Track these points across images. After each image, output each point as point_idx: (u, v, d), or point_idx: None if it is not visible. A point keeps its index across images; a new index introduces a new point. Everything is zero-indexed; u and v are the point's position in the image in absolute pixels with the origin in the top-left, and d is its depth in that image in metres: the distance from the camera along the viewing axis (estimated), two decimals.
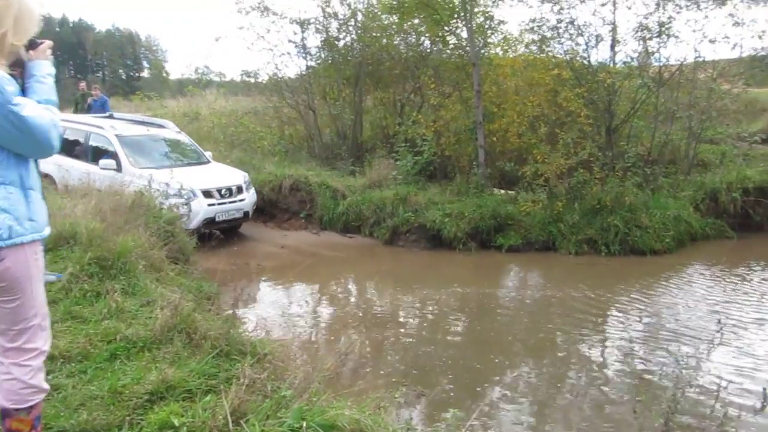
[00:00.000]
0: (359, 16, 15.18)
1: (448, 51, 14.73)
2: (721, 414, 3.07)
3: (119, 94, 39.80)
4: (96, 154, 10.82)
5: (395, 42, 15.40)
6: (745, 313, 7.75)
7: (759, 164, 12.68)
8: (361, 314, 8.05)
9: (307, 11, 15.46)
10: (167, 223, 7.22)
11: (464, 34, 13.47)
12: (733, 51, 13.17)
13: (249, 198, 11.27)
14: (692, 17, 12.28)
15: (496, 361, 6.55)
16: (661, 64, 12.84)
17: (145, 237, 6.17)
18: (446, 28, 14.10)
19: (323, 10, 14.97)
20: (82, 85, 18.05)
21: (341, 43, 15.47)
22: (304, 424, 3.05)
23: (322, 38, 15.45)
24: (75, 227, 5.70)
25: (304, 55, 15.55)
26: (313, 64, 16.04)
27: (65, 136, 11.38)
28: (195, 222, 9.96)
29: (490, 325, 7.73)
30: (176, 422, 3.18)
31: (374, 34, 15.10)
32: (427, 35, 15.02)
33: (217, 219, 10.47)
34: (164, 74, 62.40)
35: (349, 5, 14.99)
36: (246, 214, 11.19)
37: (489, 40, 14.18)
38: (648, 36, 12.33)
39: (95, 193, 7.30)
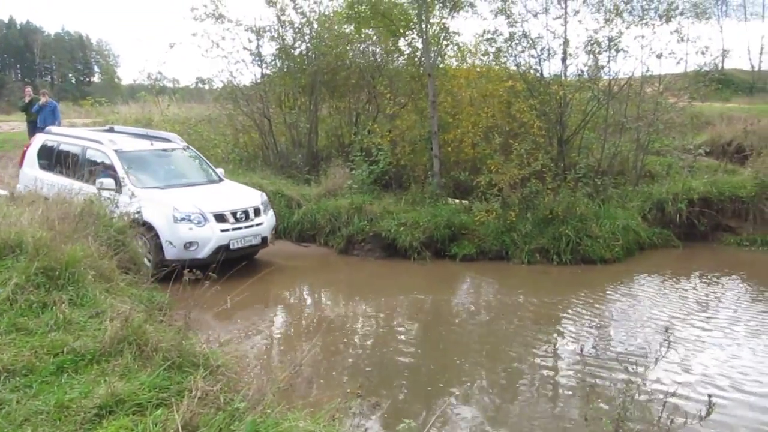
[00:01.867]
0: (315, 25, 15.16)
1: (404, 61, 14.83)
2: (668, 421, 3.16)
3: (69, 99, 38.88)
4: (93, 173, 9.61)
5: (350, 52, 15.44)
6: (690, 322, 7.99)
7: (703, 176, 13.09)
8: (316, 324, 8.01)
9: (262, 19, 15.32)
10: (118, 232, 7.07)
11: (419, 45, 13.60)
12: (678, 66, 13.62)
13: (267, 221, 10.13)
14: (640, 33, 12.63)
15: (451, 369, 6.59)
16: (611, 77, 13.17)
17: (94, 246, 6.04)
18: (402, 39, 14.21)
19: (279, 18, 14.91)
20: (28, 89, 17.47)
21: (297, 52, 15.43)
22: None
23: (278, 46, 15.37)
24: (21, 236, 5.54)
25: (259, 62, 15.44)
26: (268, 72, 15.94)
27: (58, 152, 10.51)
28: (206, 250, 9.10)
29: (445, 334, 7.79)
30: None
31: (329, 44, 15.11)
32: (382, 45, 15.10)
33: (231, 246, 9.37)
34: (116, 80, 61.27)
35: (304, 14, 14.97)
36: (264, 239, 9.98)
37: (444, 51, 14.33)
38: (598, 50, 12.63)
39: (42, 201, 7.11)
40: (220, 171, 11.01)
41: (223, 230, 9.35)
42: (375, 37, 14.96)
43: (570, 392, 6.08)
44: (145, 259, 8.96)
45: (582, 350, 6.98)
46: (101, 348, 4.14)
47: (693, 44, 12.94)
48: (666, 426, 3.11)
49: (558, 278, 10.21)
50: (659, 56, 12.71)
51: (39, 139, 11.17)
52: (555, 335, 7.77)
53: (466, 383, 6.22)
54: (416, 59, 14.11)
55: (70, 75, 70.78)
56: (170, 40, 21.05)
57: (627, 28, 12.50)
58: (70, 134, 11.09)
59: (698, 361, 6.67)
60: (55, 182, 9.14)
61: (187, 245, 9.04)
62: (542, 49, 12.85)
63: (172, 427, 3.11)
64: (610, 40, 12.52)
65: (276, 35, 15.12)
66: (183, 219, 9.06)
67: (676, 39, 12.60)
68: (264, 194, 10.62)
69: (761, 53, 41.03)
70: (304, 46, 15.34)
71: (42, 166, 10.67)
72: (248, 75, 17.24)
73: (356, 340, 7.53)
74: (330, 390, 5.64)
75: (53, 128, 11.86)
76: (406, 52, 14.56)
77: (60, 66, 69.83)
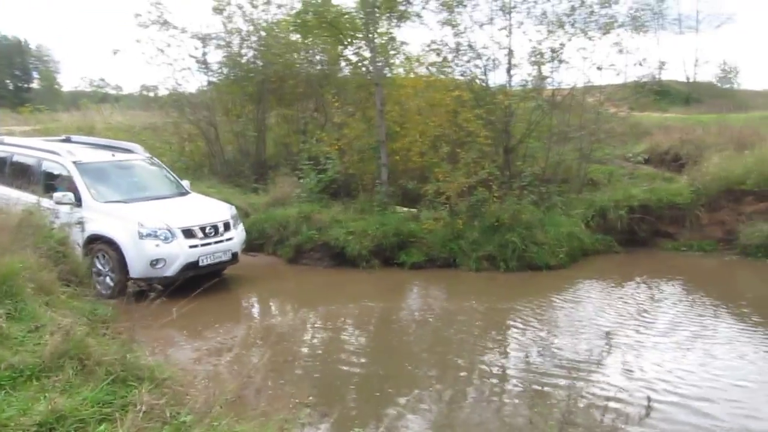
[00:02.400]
0: (262, 33, 15.09)
1: (351, 70, 14.88)
2: (610, 423, 3.25)
3: (6, 106, 37.54)
4: (50, 186, 9.20)
5: (298, 60, 15.42)
6: (632, 327, 8.20)
7: (643, 183, 13.47)
8: (264, 333, 7.95)
9: (209, 26, 15.15)
10: (59, 243, 6.87)
11: (367, 54, 13.66)
12: (618, 77, 14.01)
13: (238, 236, 9.82)
14: (582, 45, 12.94)
15: (399, 376, 6.62)
16: (554, 87, 13.47)
17: (33, 258, 5.85)
18: (349, 48, 14.26)
19: (225, 26, 14.80)
20: None
21: (244, 60, 15.33)
22: None
23: (224, 54, 15.26)
24: None
25: (205, 70, 15.28)
26: (214, 79, 15.80)
27: (11, 163, 9.93)
28: (174, 267, 8.74)
29: (393, 341, 7.83)
30: None
31: (277, 52, 15.05)
32: (329, 54, 15.13)
33: (200, 263, 9.04)
34: (56, 86, 59.59)
35: (251, 21, 14.89)
36: (234, 255, 9.70)
37: (391, 61, 14.43)
38: (541, 61, 12.90)
39: None
40: (186, 183, 10.59)
41: (191, 246, 8.96)
42: (322, 46, 14.97)
43: (517, 398, 6.16)
44: (108, 277, 8.72)
45: (528, 356, 7.10)
46: (41, 363, 4.02)
47: (632, 56, 13.38)
48: (608, 428, 3.21)
49: (505, 285, 10.37)
50: (600, 68, 13.05)
51: None
52: (502, 342, 7.89)
53: (415, 390, 6.25)
54: (364, 68, 14.17)
55: (7, 81, 68.38)
56: (114, 47, 20.51)
57: (569, 39, 12.79)
58: (24, 144, 10.47)
59: (639, 365, 6.83)
60: (7, 196, 8.52)
61: (154, 263, 8.63)
62: (488, 60, 13.07)
63: None
64: (553, 51, 12.81)
65: (223, 43, 15.01)
66: (149, 235, 8.63)
67: (616, 51, 12.98)
68: (233, 207, 10.30)
69: (696, 65, 42.66)
70: (251, 54, 15.26)
71: None
72: (194, 82, 17.02)
73: (305, 349, 7.49)
74: (279, 400, 5.59)
75: (5, 138, 11.23)
76: (353, 61, 14.61)
77: None
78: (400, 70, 15.06)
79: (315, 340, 7.89)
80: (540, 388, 6.21)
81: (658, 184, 13.48)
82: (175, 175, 10.81)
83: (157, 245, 8.66)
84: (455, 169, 11.68)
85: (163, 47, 14.35)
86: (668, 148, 16.74)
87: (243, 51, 15.29)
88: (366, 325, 8.49)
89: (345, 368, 6.81)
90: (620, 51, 13.01)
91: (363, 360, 7.13)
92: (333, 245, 11.15)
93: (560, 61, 12.96)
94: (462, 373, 6.77)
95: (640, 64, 13.51)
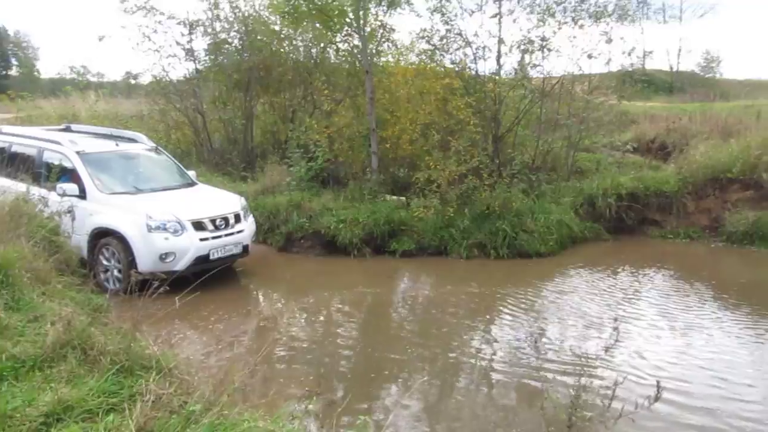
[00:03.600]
0: (249, 21, 14.95)
1: (341, 57, 14.79)
2: (619, 407, 3.28)
3: None
4: (52, 177, 8.78)
5: (287, 48, 15.31)
6: (623, 314, 8.30)
7: (630, 171, 13.62)
8: (262, 322, 7.96)
9: (195, 12, 14.94)
10: (51, 233, 6.79)
11: (357, 41, 13.58)
12: (606, 66, 14.07)
13: (248, 228, 9.55)
14: (571, 33, 12.96)
15: (394, 362, 6.65)
16: (544, 76, 13.49)
17: (28, 247, 5.78)
18: (339, 35, 14.16)
19: (212, 12, 14.65)
20: None
21: (230, 47, 15.19)
22: None
23: (211, 41, 15.10)
24: None
25: (191, 57, 15.11)
26: (201, 67, 15.64)
27: (10, 154, 9.55)
28: (184, 261, 8.46)
29: (387, 328, 7.89)
30: None
31: (264, 39, 14.93)
32: (319, 41, 15.03)
33: (211, 256, 8.76)
34: (35, 73, 58.76)
35: (238, 7, 14.76)
36: (245, 248, 9.41)
37: (381, 48, 14.37)
38: (531, 49, 12.92)
39: None
40: (192, 173, 10.35)
41: (202, 239, 8.70)
42: (312, 33, 14.87)
43: (515, 381, 6.22)
44: (115, 271, 8.54)
45: (519, 342, 7.15)
46: (42, 353, 3.97)
47: (619, 45, 13.42)
48: (616, 413, 3.25)
49: (495, 272, 10.42)
50: (590, 56, 13.07)
51: None
52: (495, 326, 7.94)
53: (411, 375, 6.29)
54: (353, 56, 14.09)
55: None
56: (97, 33, 20.25)
57: (559, 28, 12.83)
58: (23, 134, 10.11)
59: (631, 352, 6.91)
60: (7, 188, 8.09)
61: (163, 257, 8.37)
62: (477, 48, 13.07)
63: None
64: (543, 39, 12.83)
65: (209, 30, 14.85)
66: (158, 228, 8.37)
67: (604, 40, 13.00)
68: (243, 198, 10.10)
69: (679, 54, 42.92)
70: (237, 41, 15.12)
71: None
72: (181, 70, 16.78)
73: (302, 336, 7.47)
74: (282, 388, 5.60)
75: (3, 127, 10.90)
76: (343, 49, 14.53)
77: None
78: (390, 57, 15.01)
79: (309, 329, 7.87)
80: (542, 373, 6.26)
81: (645, 172, 13.61)
82: (180, 166, 10.55)
83: (167, 238, 8.41)
84: (446, 158, 11.68)
85: (149, 33, 14.19)
86: (654, 137, 16.93)
87: (230, 38, 15.15)
88: (359, 312, 8.51)
89: (340, 354, 6.85)
90: (608, 40, 13.04)
91: (357, 347, 7.16)
92: (324, 233, 11.13)
93: (549, 50, 12.99)
94: (457, 362, 6.81)
95: (629, 54, 13.59)
